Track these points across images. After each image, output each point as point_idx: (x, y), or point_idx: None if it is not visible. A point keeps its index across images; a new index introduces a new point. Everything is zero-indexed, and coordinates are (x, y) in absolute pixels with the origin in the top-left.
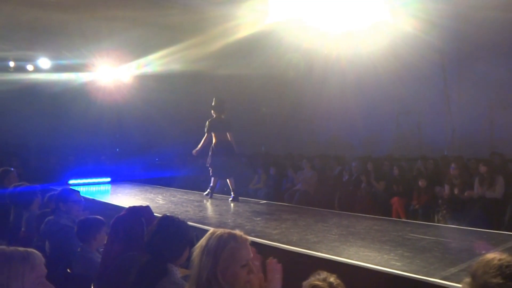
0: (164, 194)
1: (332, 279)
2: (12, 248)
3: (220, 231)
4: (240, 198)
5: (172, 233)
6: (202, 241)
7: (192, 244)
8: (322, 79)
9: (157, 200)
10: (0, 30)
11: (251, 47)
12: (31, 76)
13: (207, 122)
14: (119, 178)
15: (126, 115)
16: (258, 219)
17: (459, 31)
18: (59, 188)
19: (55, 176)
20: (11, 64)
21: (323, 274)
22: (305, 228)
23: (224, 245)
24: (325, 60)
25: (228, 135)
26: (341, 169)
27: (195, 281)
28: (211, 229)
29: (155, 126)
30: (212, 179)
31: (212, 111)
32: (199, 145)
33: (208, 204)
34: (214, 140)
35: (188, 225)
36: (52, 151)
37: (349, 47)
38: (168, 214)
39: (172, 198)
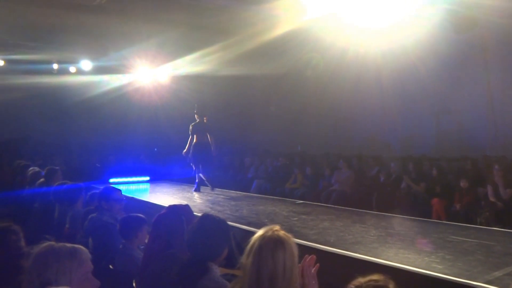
0: (201, 193)
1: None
2: (60, 244)
3: (274, 230)
4: (276, 198)
5: (213, 232)
6: (255, 240)
7: (231, 243)
8: (359, 77)
9: (195, 199)
10: (45, 33)
11: (285, 46)
12: (74, 78)
13: (191, 125)
14: (157, 177)
15: (163, 115)
16: (295, 219)
17: (502, 26)
18: (101, 187)
19: (96, 175)
20: (55, 66)
21: (381, 278)
22: (342, 228)
23: (281, 246)
24: (362, 57)
25: (208, 137)
26: (379, 169)
27: (248, 280)
28: (264, 229)
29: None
30: (197, 175)
31: (195, 116)
32: (187, 146)
33: (244, 203)
34: (194, 141)
35: (227, 224)
36: (93, 150)
37: (387, 44)
38: (208, 213)
39: (209, 197)
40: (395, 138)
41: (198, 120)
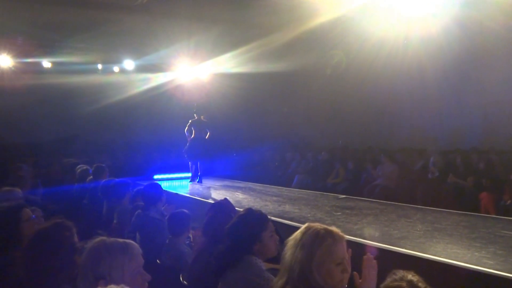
0: (243, 189)
1: (410, 276)
2: (112, 239)
3: (316, 226)
4: (318, 192)
5: (251, 224)
6: (297, 234)
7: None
8: (400, 68)
9: (237, 194)
10: (89, 34)
11: (325, 38)
12: (117, 77)
13: (189, 121)
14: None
15: (205, 112)
16: (338, 213)
17: None
18: (145, 183)
19: (141, 171)
20: (99, 66)
21: (399, 273)
22: (387, 223)
23: (321, 241)
24: (403, 47)
25: (204, 133)
26: (424, 162)
27: (287, 274)
28: (307, 224)
29: (233, 123)
30: (192, 166)
31: (194, 114)
32: (188, 141)
33: (287, 198)
34: (192, 136)
35: (269, 218)
36: (138, 147)
37: (430, 33)
38: (250, 207)
39: (251, 192)
40: (441, 131)
41: (196, 117)
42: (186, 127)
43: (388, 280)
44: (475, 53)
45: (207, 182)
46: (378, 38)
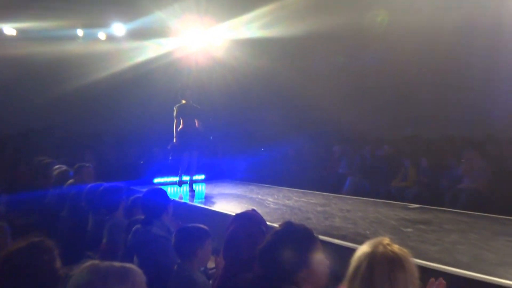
0: (276, 196)
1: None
2: (107, 263)
3: (387, 245)
4: (379, 200)
5: (297, 246)
6: (362, 260)
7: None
8: (492, 40)
9: (267, 203)
10: None
11: None
12: (104, 46)
13: (175, 107)
14: (215, 175)
15: (218, 94)
16: (408, 230)
17: None
18: (144, 189)
19: (138, 173)
20: (79, 32)
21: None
22: (479, 243)
23: (402, 266)
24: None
25: (196, 122)
26: None
27: None
28: (370, 243)
29: (257, 107)
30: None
31: (181, 97)
32: (174, 134)
33: (336, 208)
34: (181, 126)
35: (316, 236)
36: (132, 141)
37: None
38: (289, 221)
39: (287, 201)
40: None
41: (184, 102)
42: (174, 115)
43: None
44: None
45: (224, 188)
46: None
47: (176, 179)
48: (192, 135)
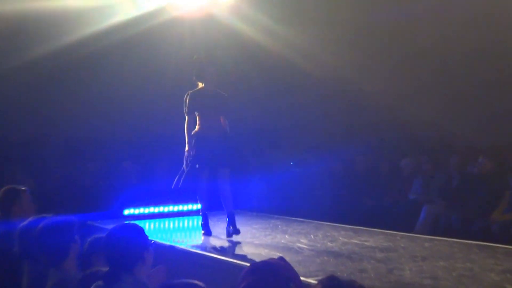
0: (312, 236)
1: None
2: None
3: None
4: (475, 243)
5: None
6: None
7: None
8: None
9: (299, 247)
10: None
11: None
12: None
13: (186, 96)
14: (216, 204)
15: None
16: None
17: None
18: (110, 225)
19: (100, 201)
20: None
21: None
22: None
23: None
24: None
25: (221, 120)
26: None
27: None
28: None
29: (280, 100)
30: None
31: (193, 78)
32: (186, 140)
33: (405, 254)
34: (198, 126)
35: None
36: (90, 151)
37: None
38: (333, 276)
39: (329, 244)
40: None
41: (201, 85)
42: (185, 109)
43: None
44: None
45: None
46: None
47: (158, 209)
48: (217, 141)
